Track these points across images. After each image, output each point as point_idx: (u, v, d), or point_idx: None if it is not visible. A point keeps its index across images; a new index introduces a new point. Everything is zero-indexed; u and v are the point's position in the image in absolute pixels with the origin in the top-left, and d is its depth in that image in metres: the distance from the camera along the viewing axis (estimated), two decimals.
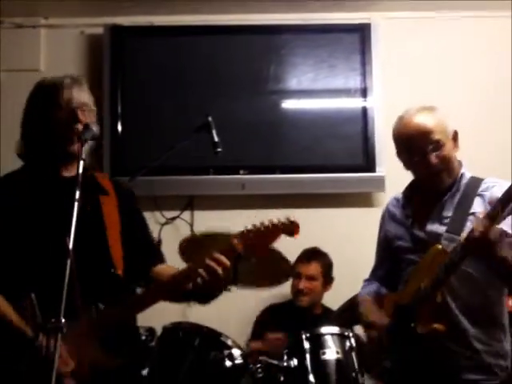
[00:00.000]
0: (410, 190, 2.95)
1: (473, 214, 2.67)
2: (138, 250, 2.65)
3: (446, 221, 2.75)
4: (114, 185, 2.70)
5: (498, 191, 2.59)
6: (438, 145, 2.73)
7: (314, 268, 4.35)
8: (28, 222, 2.47)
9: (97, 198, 2.59)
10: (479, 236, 2.44)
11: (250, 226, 2.40)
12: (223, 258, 2.39)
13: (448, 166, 2.77)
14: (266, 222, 2.40)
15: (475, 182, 2.78)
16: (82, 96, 2.56)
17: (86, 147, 2.39)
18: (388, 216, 3.03)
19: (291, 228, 2.40)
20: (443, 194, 2.80)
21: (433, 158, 2.72)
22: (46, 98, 2.56)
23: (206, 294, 2.54)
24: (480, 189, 2.75)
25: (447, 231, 2.71)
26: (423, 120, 2.76)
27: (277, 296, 4.55)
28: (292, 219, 2.41)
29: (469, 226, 2.61)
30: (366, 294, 3.04)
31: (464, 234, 2.52)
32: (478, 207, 2.68)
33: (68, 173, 2.56)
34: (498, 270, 2.62)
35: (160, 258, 2.77)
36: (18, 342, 2.31)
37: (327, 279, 4.41)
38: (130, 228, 2.64)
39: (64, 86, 2.55)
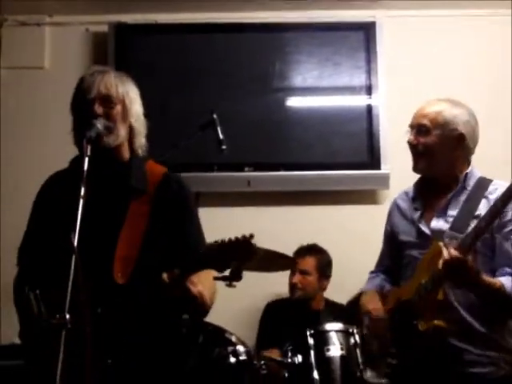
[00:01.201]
0: (420, 184, 2.96)
1: (477, 216, 2.68)
2: (173, 256, 2.45)
3: (451, 219, 2.77)
4: (162, 181, 2.59)
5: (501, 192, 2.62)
6: (423, 129, 2.83)
7: (307, 262, 4.36)
8: (52, 222, 2.46)
9: (126, 201, 2.49)
10: (449, 267, 2.51)
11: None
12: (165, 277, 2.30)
13: (432, 157, 2.81)
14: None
15: (483, 183, 2.81)
16: (100, 87, 2.48)
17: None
18: (396, 209, 3.04)
19: (245, 247, 2.16)
20: (448, 191, 2.82)
21: (413, 137, 2.86)
22: (75, 93, 2.54)
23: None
24: (487, 191, 2.77)
25: (450, 229, 2.73)
26: (429, 105, 2.89)
27: (278, 294, 4.56)
28: (248, 239, 2.15)
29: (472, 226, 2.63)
30: (370, 288, 3.04)
31: (441, 261, 2.54)
32: (484, 208, 2.69)
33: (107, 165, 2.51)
34: (485, 298, 2.64)
35: (195, 267, 2.42)
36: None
37: (323, 274, 4.41)
38: (161, 234, 2.50)
39: (85, 77, 2.52)
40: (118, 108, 2.52)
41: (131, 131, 2.58)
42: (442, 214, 2.80)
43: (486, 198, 2.74)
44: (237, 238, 2.16)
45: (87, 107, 2.46)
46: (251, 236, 2.15)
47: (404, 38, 5.02)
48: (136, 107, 2.60)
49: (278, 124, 4.87)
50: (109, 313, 2.32)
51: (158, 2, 4.84)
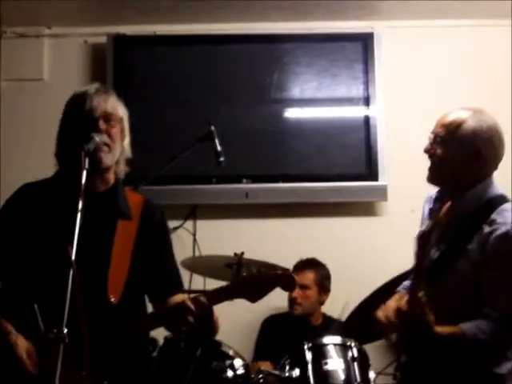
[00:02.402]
0: (440, 193, 2.86)
1: (469, 250, 2.60)
2: (153, 279, 2.59)
3: (443, 248, 2.71)
4: (144, 206, 2.65)
5: (496, 242, 2.56)
6: (439, 140, 2.70)
7: (307, 277, 4.33)
8: (39, 232, 2.46)
9: (114, 223, 2.54)
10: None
11: (245, 273, 2.40)
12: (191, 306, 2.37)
13: (442, 169, 2.70)
14: (264, 271, 2.38)
15: (489, 207, 2.67)
16: (107, 105, 2.53)
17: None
18: (423, 212, 2.95)
19: (288, 281, 2.38)
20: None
21: (429, 146, 2.72)
22: (73, 107, 2.55)
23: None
24: (489, 218, 2.63)
25: (436, 262, 2.69)
26: (451, 114, 2.74)
27: (277, 307, 4.55)
28: (290, 273, 2.40)
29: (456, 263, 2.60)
30: (402, 288, 2.99)
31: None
32: (475, 244, 2.60)
33: (102, 187, 2.57)
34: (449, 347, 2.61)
35: (175, 289, 2.67)
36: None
37: (322, 288, 4.38)
38: (145, 256, 2.57)
39: (88, 95, 2.53)
40: (118, 128, 2.58)
41: (121, 154, 2.64)
42: (440, 238, 2.73)
43: (482, 229, 2.61)
44: (279, 274, 2.38)
45: (91, 123, 2.48)
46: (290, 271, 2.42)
47: (402, 49, 5.02)
48: (128, 132, 2.67)
49: (275, 135, 4.87)
50: (102, 333, 2.33)
51: (157, 13, 4.84)
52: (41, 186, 2.63)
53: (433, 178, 2.75)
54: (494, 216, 2.62)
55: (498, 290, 2.56)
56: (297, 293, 4.26)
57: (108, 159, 2.53)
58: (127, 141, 2.67)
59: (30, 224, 2.49)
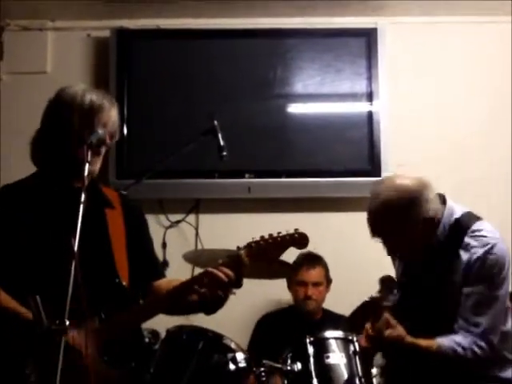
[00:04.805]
0: None
1: (454, 282, 2.68)
2: (141, 265, 2.64)
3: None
4: (121, 199, 2.70)
5: (478, 266, 2.65)
6: (384, 240, 2.81)
7: (319, 274, 4.36)
8: (35, 228, 2.45)
9: (102, 211, 2.58)
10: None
11: (257, 238, 2.40)
12: (227, 270, 2.40)
13: (406, 252, 2.83)
14: (275, 234, 2.39)
15: (459, 227, 2.73)
16: (114, 123, 2.53)
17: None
18: None
19: (300, 240, 2.42)
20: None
21: (387, 251, 2.86)
22: (80, 116, 2.48)
23: (211, 304, 2.53)
24: (463, 242, 2.69)
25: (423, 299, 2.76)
26: (375, 220, 2.77)
27: (279, 300, 4.56)
28: (300, 231, 2.41)
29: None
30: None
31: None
32: (455, 269, 2.68)
33: (79, 183, 2.54)
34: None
35: (161, 274, 2.76)
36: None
37: (328, 282, 4.43)
38: (135, 243, 2.63)
39: (103, 109, 2.49)
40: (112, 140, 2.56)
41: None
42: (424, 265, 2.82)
43: (458, 255, 2.68)
44: (292, 234, 2.43)
45: (98, 131, 2.44)
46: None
47: (405, 45, 5.02)
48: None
49: (278, 130, 4.87)
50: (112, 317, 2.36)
51: (160, 7, 4.85)
52: (21, 185, 2.59)
53: (413, 258, 2.81)
54: (467, 240, 2.68)
55: (480, 307, 2.64)
56: (311, 291, 4.30)
57: (97, 167, 2.54)
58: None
59: (23, 220, 2.47)
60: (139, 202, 2.85)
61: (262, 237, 2.40)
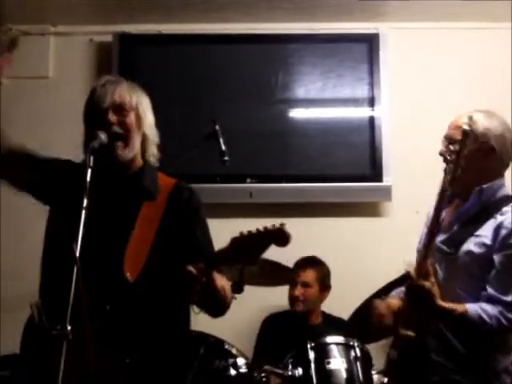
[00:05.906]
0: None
1: (478, 235, 2.69)
2: (185, 257, 2.48)
3: (450, 234, 2.77)
4: (173, 189, 2.66)
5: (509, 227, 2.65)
6: (453, 142, 2.77)
7: (308, 275, 4.35)
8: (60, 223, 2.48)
9: (138, 204, 2.54)
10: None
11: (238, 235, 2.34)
12: (192, 269, 2.33)
13: (460, 171, 2.73)
14: (253, 230, 2.32)
15: (502, 202, 2.77)
16: (114, 96, 2.52)
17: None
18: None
19: (278, 235, 2.25)
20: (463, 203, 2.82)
21: (445, 149, 2.83)
22: (86, 103, 2.56)
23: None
24: (500, 211, 2.73)
25: (442, 242, 2.76)
26: (463, 116, 2.82)
27: (279, 305, 4.55)
28: (279, 226, 2.25)
29: (467, 246, 2.67)
30: (396, 293, 3.03)
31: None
32: (488, 229, 2.69)
33: (122, 173, 2.56)
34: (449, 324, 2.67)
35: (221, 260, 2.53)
36: None
37: (323, 286, 4.40)
38: (170, 235, 2.53)
39: (97, 87, 2.54)
40: (132, 116, 2.55)
41: (144, 140, 2.61)
42: (447, 228, 2.80)
43: (495, 218, 2.71)
44: (268, 228, 2.26)
45: (101, 116, 2.48)
46: (282, 224, 2.24)
47: (407, 51, 5.02)
48: (149, 116, 2.64)
49: (280, 135, 4.87)
50: (118, 310, 2.34)
51: (162, 12, 4.85)
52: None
53: (454, 181, 2.75)
54: (505, 208, 2.72)
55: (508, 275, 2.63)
56: (299, 291, 4.30)
57: (125, 154, 2.52)
58: (149, 124, 2.63)
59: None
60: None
61: (241, 232, 2.34)
